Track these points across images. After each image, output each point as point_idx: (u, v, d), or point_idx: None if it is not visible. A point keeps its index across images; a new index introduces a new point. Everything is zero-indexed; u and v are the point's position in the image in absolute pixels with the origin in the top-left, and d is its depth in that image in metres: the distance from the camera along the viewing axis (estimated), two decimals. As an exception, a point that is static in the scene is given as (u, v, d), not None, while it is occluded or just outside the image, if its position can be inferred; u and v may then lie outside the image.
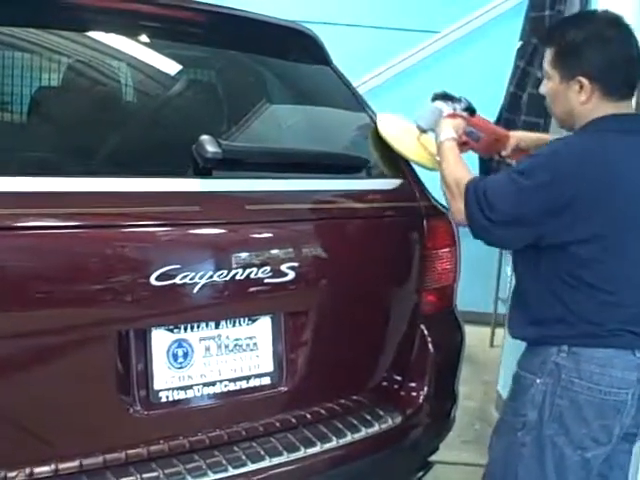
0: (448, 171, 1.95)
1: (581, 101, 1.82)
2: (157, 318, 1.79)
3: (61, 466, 1.66)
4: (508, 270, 3.64)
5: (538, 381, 1.84)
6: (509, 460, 1.90)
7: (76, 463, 1.68)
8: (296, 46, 2.38)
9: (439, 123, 2.09)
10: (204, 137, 1.82)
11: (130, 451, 1.76)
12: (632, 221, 1.76)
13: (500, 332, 4.31)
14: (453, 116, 2.13)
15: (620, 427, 1.83)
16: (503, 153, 2.26)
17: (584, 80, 1.80)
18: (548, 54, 1.88)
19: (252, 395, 1.93)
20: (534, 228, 1.77)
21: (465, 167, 1.95)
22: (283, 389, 1.97)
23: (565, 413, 1.81)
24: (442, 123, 2.09)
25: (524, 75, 3.09)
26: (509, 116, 3.18)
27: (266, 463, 1.83)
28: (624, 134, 1.79)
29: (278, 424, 1.97)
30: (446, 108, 2.15)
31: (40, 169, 1.70)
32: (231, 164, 1.87)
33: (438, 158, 2.03)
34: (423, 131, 2.21)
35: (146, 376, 1.77)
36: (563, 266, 1.80)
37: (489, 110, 3.52)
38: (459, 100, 2.18)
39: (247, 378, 1.92)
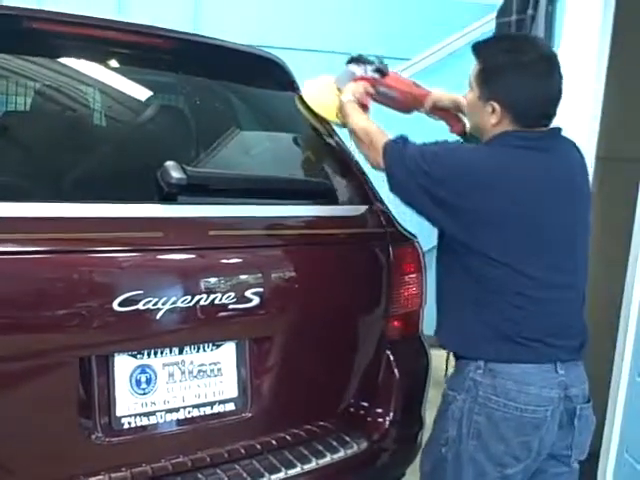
0: (354, 125, 2.07)
1: (492, 123, 1.84)
2: (120, 344, 1.78)
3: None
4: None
5: (458, 397, 1.85)
6: (435, 476, 1.93)
7: (37, 492, 1.66)
8: (263, 72, 2.40)
9: (344, 87, 2.22)
10: (169, 163, 1.82)
11: (91, 479, 1.73)
12: (533, 242, 1.78)
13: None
14: (362, 79, 2.25)
15: (539, 442, 1.82)
16: (422, 110, 2.35)
17: (497, 106, 1.81)
18: (475, 67, 1.88)
19: (216, 421, 1.92)
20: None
21: (366, 117, 2.10)
22: (248, 415, 1.96)
23: (483, 430, 1.81)
24: (345, 87, 2.21)
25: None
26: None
27: (230, 490, 1.82)
28: (528, 151, 1.81)
29: (243, 450, 1.95)
30: (358, 70, 2.26)
31: (3, 194, 1.69)
32: (196, 190, 1.87)
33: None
34: (339, 90, 2.29)
35: (108, 402, 1.76)
36: (473, 274, 1.82)
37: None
38: (371, 62, 2.28)
39: (211, 404, 1.91)
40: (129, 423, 1.79)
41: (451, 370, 1.98)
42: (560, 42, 2.96)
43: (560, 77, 1.84)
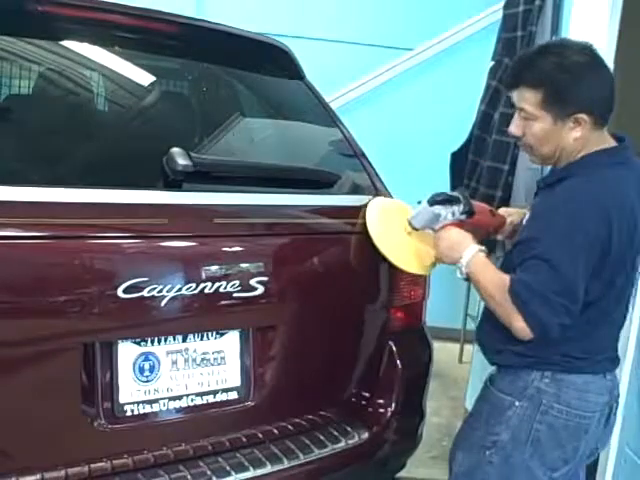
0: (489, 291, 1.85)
1: (575, 137, 1.79)
2: (124, 331, 1.77)
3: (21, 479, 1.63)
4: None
5: (517, 404, 1.85)
6: (474, 477, 1.90)
7: (38, 477, 1.65)
8: (270, 60, 2.39)
9: (457, 244, 1.93)
10: (175, 149, 1.81)
11: (93, 465, 1.74)
12: (623, 261, 1.80)
13: (469, 348, 4.32)
14: (452, 224, 1.99)
15: (586, 444, 1.87)
16: (499, 237, 2.22)
17: (581, 115, 1.76)
18: (530, 97, 1.79)
19: (218, 410, 1.92)
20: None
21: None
22: (250, 404, 1.96)
23: (543, 437, 1.83)
24: (460, 241, 1.93)
25: (496, 94, 3.12)
26: (480, 134, 3.20)
27: (232, 479, 1.81)
28: (617, 167, 1.79)
29: (244, 439, 1.95)
30: (444, 212, 1.99)
31: (6, 178, 1.67)
32: (201, 177, 1.86)
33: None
34: (414, 229, 2.06)
35: (111, 389, 1.76)
36: None
37: (461, 127, 3.56)
38: (457, 201, 2.00)
39: (214, 392, 1.90)
40: (132, 410, 1.78)
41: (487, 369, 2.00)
42: (567, 34, 2.94)
43: (607, 65, 1.84)
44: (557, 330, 1.74)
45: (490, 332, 1.92)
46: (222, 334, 1.92)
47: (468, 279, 1.90)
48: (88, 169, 1.90)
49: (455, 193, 2.01)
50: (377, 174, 2.31)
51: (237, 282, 1.83)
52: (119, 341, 1.76)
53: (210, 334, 1.90)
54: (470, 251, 1.88)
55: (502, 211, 2.20)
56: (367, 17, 4.93)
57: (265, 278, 1.87)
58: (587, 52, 1.80)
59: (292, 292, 1.99)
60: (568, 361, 1.82)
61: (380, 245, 2.08)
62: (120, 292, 1.68)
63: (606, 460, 2.51)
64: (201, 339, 1.89)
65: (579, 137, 1.78)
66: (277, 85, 2.46)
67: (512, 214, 2.17)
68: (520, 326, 1.74)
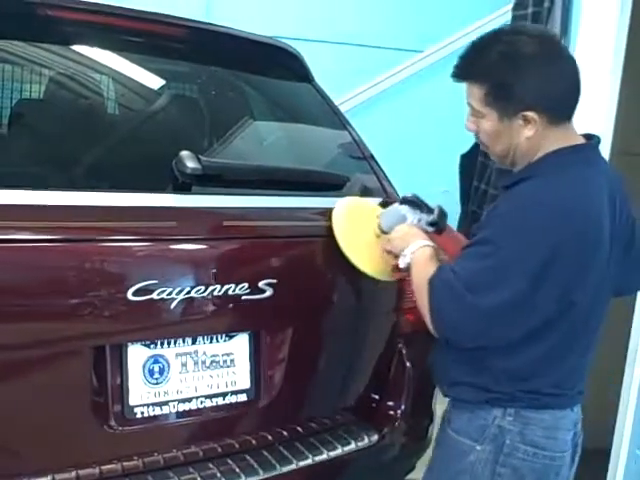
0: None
1: (527, 136, 1.59)
2: (134, 333, 1.78)
3: (36, 482, 1.65)
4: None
5: (478, 448, 1.65)
6: None
7: (49, 478, 1.66)
8: (278, 63, 2.39)
9: (410, 235, 1.79)
10: (184, 153, 1.82)
11: (104, 467, 1.75)
12: (583, 276, 1.56)
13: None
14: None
15: None
16: None
17: (530, 113, 1.56)
18: (475, 91, 1.62)
19: (228, 412, 1.92)
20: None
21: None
22: (259, 406, 1.96)
23: None
24: (414, 234, 1.79)
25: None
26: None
27: (242, 480, 1.82)
28: (581, 167, 1.59)
29: (254, 441, 1.96)
30: (410, 216, 1.87)
31: (18, 182, 1.68)
32: (211, 180, 1.87)
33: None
34: (383, 231, 1.93)
35: (121, 391, 1.76)
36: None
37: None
38: (430, 210, 1.88)
39: (223, 395, 1.91)
40: (142, 412, 1.79)
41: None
42: (577, 35, 2.94)
43: (569, 54, 1.65)
44: (470, 334, 1.55)
45: (445, 360, 1.73)
46: (231, 336, 1.93)
47: (408, 272, 1.74)
48: (98, 172, 1.91)
49: (431, 205, 1.89)
50: (386, 176, 2.32)
51: (246, 284, 1.83)
52: (129, 344, 1.77)
53: (220, 336, 1.91)
54: (419, 243, 1.72)
55: None
56: (376, 19, 4.93)
57: (274, 280, 1.87)
58: (541, 41, 1.58)
59: (301, 294, 1.99)
60: (536, 398, 1.63)
61: (344, 246, 1.95)
62: (130, 295, 1.68)
63: (616, 462, 2.50)
64: (210, 341, 1.89)
65: (532, 136, 1.58)
66: (286, 88, 2.47)
67: None
68: (426, 319, 1.59)
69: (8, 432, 1.63)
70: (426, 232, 1.83)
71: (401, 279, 2.05)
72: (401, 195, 1.97)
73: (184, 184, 1.84)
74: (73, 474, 1.69)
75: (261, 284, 1.86)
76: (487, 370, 1.63)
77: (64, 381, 1.70)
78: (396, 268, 1.86)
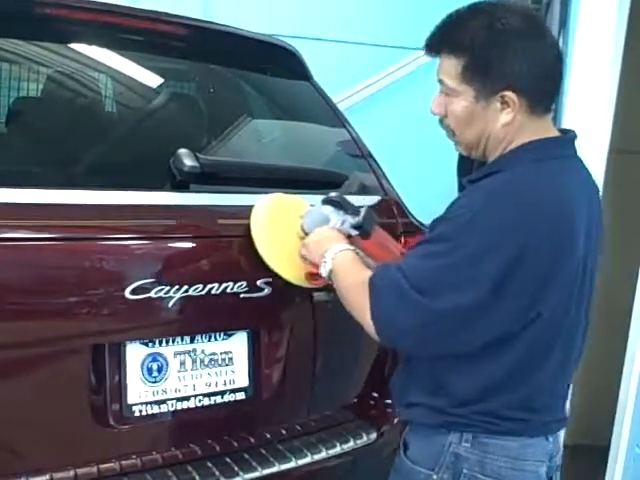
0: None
1: (504, 122, 1.44)
2: (132, 332, 1.78)
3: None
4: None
5: (435, 477, 1.49)
6: None
7: (47, 477, 1.66)
8: (277, 61, 2.39)
9: (328, 239, 1.67)
10: (182, 151, 1.82)
11: (102, 465, 1.74)
12: (552, 281, 1.39)
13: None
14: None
15: None
16: None
17: (510, 94, 1.40)
18: (451, 66, 1.45)
19: (226, 410, 1.92)
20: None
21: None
22: (258, 404, 1.96)
23: None
24: (332, 237, 1.67)
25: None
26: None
27: (240, 478, 1.81)
28: (557, 162, 1.45)
29: (252, 439, 1.96)
30: (333, 219, 1.75)
31: (15, 180, 1.68)
32: (209, 178, 1.86)
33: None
34: (306, 233, 1.80)
35: (120, 390, 1.76)
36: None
37: None
38: (355, 212, 1.74)
39: (222, 393, 1.91)
40: (140, 411, 1.79)
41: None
42: (575, 30, 2.93)
43: (553, 36, 1.52)
44: (419, 339, 1.41)
45: (402, 379, 1.60)
46: (230, 335, 1.92)
47: (331, 280, 1.61)
48: (95, 171, 1.91)
49: (359, 206, 1.76)
50: (384, 175, 2.31)
51: (244, 283, 1.83)
52: (127, 342, 1.77)
53: (218, 335, 1.90)
54: (338, 247, 1.60)
55: None
56: (377, 17, 4.93)
57: (272, 279, 1.87)
58: (526, 17, 1.44)
59: (299, 292, 1.99)
60: (494, 422, 1.45)
61: (261, 248, 1.81)
62: (128, 293, 1.68)
63: (615, 459, 2.50)
64: (209, 340, 1.89)
65: (509, 122, 1.43)
66: (284, 86, 2.47)
67: None
68: (366, 320, 1.44)
69: (6, 431, 1.63)
70: (349, 236, 1.72)
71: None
72: (332, 196, 1.81)
73: (182, 182, 1.84)
74: (71, 473, 1.69)
75: (259, 282, 1.85)
76: (442, 389, 1.49)
77: (62, 379, 1.69)
78: (313, 276, 1.74)
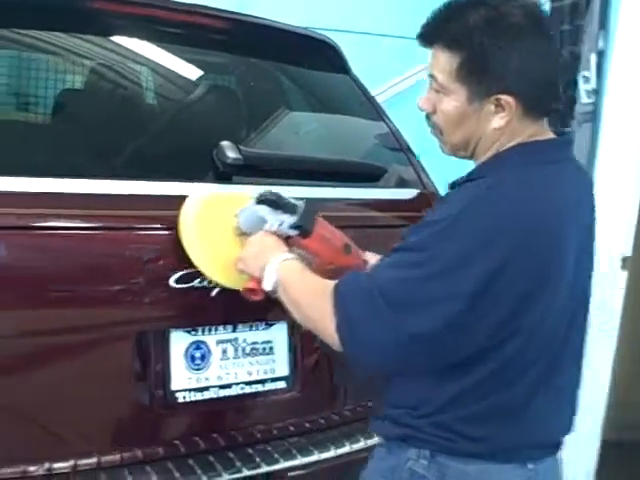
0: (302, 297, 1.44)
1: (497, 126, 1.32)
2: (176, 320, 1.81)
3: (79, 462, 1.69)
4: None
5: None
6: None
7: (94, 460, 1.71)
8: (315, 54, 2.41)
9: (268, 248, 1.55)
10: (225, 143, 1.85)
11: (146, 450, 1.78)
12: (534, 293, 1.27)
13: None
14: (274, 234, 1.60)
15: None
16: None
17: (506, 97, 1.28)
18: (445, 61, 1.32)
19: (267, 398, 1.95)
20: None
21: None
22: (297, 394, 1.99)
23: None
24: (273, 247, 1.55)
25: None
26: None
27: (280, 465, 1.84)
28: (548, 168, 1.33)
29: (292, 428, 1.98)
30: (270, 219, 1.61)
31: (62, 171, 1.73)
32: (250, 170, 1.89)
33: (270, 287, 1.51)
34: (241, 233, 1.68)
35: (164, 377, 1.80)
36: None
37: None
38: (292, 210, 1.60)
39: (262, 382, 1.94)
40: (183, 397, 1.82)
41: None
42: (615, 28, 2.91)
43: (554, 37, 1.41)
44: (391, 359, 1.30)
45: (384, 393, 1.49)
46: (270, 325, 1.95)
47: (275, 292, 1.50)
48: (140, 162, 1.95)
49: (295, 201, 1.62)
50: (423, 168, 2.32)
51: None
52: (171, 330, 1.80)
53: (259, 325, 1.93)
54: (281, 256, 1.49)
55: (375, 256, 1.73)
56: (414, 11, 4.91)
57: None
58: (530, 12, 1.31)
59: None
60: (451, 439, 1.31)
61: (188, 245, 1.69)
62: (172, 282, 1.71)
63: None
64: (250, 329, 1.92)
65: (502, 127, 1.31)
66: (323, 79, 2.48)
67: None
68: (330, 331, 1.32)
69: (55, 414, 1.68)
70: (289, 237, 1.60)
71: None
72: (258, 193, 1.67)
73: (224, 174, 1.87)
74: (118, 457, 1.73)
75: None
76: (402, 400, 1.40)
77: (109, 366, 1.73)
78: (252, 291, 1.61)
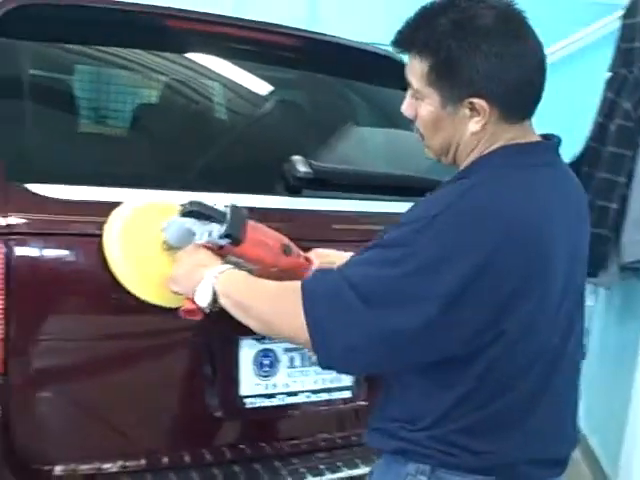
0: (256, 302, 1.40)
1: (473, 131, 1.30)
2: (245, 328, 1.83)
3: (150, 462, 1.76)
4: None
5: None
6: None
7: (164, 460, 1.78)
8: (384, 71, 2.44)
9: (190, 272, 1.49)
10: (296, 157, 1.90)
11: (214, 452, 1.85)
12: (517, 299, 1.24)
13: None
14: (204, 246, 1.53)
15: None
16: None
17: (479, 101, 1.26)
18: (416, 66, 1.31)
19: (331, 407, 1.99)
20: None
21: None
22: (362, 403, 2.01)
23: None
24: (205, 263, 1.48)
25: (613, 106, 3.04)
26: (595, 146, 3.12)
27: (344, 474, 1.89)
28: (531, 171, 1.31)
29: (355, 437, 2.01)
30: (197, 231, 1.52)
31: (138, 181, 1.80)
32: (320, 184, 1.94)
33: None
34: (171, 247, 1.60)
35: (233, 382, 1.85)
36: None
37: (576, 139, 3.40)
38: (219, 220, 1.51)
39: (328, 390, 1.97)
40: (251, 403, 1.87)
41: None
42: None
43: (537, 39, 1.32)
44: (364, 358, 1.27)
45: (378, 405, 1.47)
46: (337, 335, 1.98)
47: (213, 308, 1.46)
48: (211, 174, 2.02)
49: (221, 208, 1.53)
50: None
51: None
52: (241, 337, 1.86)
53: (326, 335, 1.97)
54: (216, 269, 1.44)
55: (318, 253, 1.71)
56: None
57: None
58: (501, 14, 1.28)
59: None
60: (449, 452, 1.29)
61: (113, 265, 1.59)
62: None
63: None
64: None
65: (479, 131, 1.29)
66: (391, 96, 2.51)
67: (331, 257, 1.68)
68: (294, 326, 1.28)
69: (129, 415, 1.75)
70: (221, 247, 1.52)
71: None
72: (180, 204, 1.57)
73: (295, 187, 1.92)
74: (187, 458, 1.80)
75: None
76: (397, 412, 1.37)
77: (183, 370, 1.82)
78: (190, 312, 1.52)
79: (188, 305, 1.51)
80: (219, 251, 1.52)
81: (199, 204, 1.52)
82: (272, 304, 1.36)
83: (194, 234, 1.52)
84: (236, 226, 1.51)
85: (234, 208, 1.53)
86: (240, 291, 1.41)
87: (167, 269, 1.55)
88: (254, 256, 1.56)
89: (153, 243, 1.60)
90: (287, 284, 1.35)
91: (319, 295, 1.26)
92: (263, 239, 1.58)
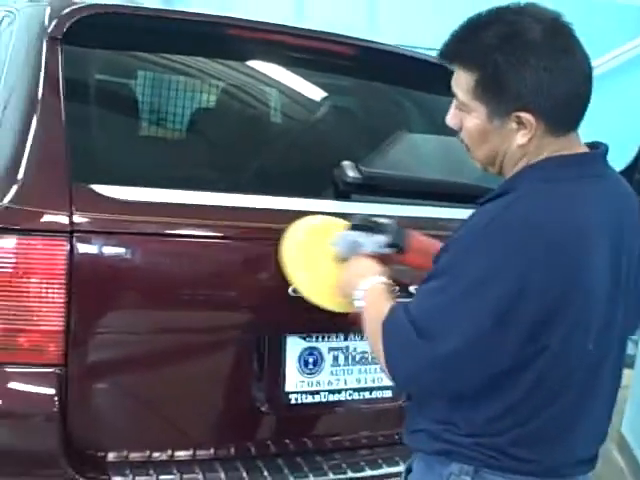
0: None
1: (520, 144, 1.30)
2: (292, 326, 1.93)
3: (197, 452, 1.84)
4: None
5: None
6: None
7: (211, 451, 1.85)
8: (435, 78, 2.47)
9: (360, 274, 1.54)
10: (346, 163, 1.95)
11: (259, 446, 1.92)
12: (559, 314, 1.26)
13: (628, 372, 4.21)
14: (372, 257, 1.62)
15: None
16: None
17: (526, 115, 1.27)
18: (462, 80, 1.32)
19: (373, 406, 2.04)
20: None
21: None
22: (402, 403, 2.04)
23: None
24: (364, 272, 1.54)
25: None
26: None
27: (384, 471, 1.94)
28: (578, 183, 1.30)
29: (396, 436, 2.05)
30: (365, 242, 1.64)
31: (194, 184, 1.87)
32: (369, 189, 1.98)
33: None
34: (342, 259, 1.69)
35: (278, 378, 1.92)
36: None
37: (627, 146, 3.37)
38: (384, 230, 1.65)
39: (370, 390, 2.02)
40: (296, 399, 1.93)
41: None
42: None
43: (584, 51, 1.31)
44: (425, 385, 1.35)
45: (414, 407, 1.49)
46: (380, 335, 2.03)
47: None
48: (264, 177, 2.08)
49: (386, 221, 1.68)
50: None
51: (397, 288, 1.92)
52: (287, 335, 1.92)
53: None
54: (369, 282, 1.49)
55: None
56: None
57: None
58: (549, 27, 1.28)
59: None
60: (496, 457, 1.32)
61: (292, 272, 1.76)
62: (290, 291, 1.81)
63: None
64: (361, 339, 1.99)
65: (525, 144, 1.30)
66: (442, 103, 2.54)
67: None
68: (378, 354, 1.37)
69: (178, 407, 1.83)
70: (387, 256, 1.63)
71: None
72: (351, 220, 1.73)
73: (344, 192, 1.97)
74: (232, 450, 1.87)
75: (411, 288, 1.94)
76: (446, 418, 1.38)
77: (230, 366, 1.89)
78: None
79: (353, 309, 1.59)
80: (385, 260, 1.62)
81: (366, 219, 1.69)
82: (373, 328, 1.40)
83: (361, 245, 1.64)
84: (399, 236, 1.65)
85: (394, 224, 1.67)
86: (367, 310, 1.46)
87: (335, 278, 1.68)
88: (417, 264, 1.65)
89: (324, 256, 1.73)
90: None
91: (388, 330, 1.34)
92: (426, 247, 1.65)
